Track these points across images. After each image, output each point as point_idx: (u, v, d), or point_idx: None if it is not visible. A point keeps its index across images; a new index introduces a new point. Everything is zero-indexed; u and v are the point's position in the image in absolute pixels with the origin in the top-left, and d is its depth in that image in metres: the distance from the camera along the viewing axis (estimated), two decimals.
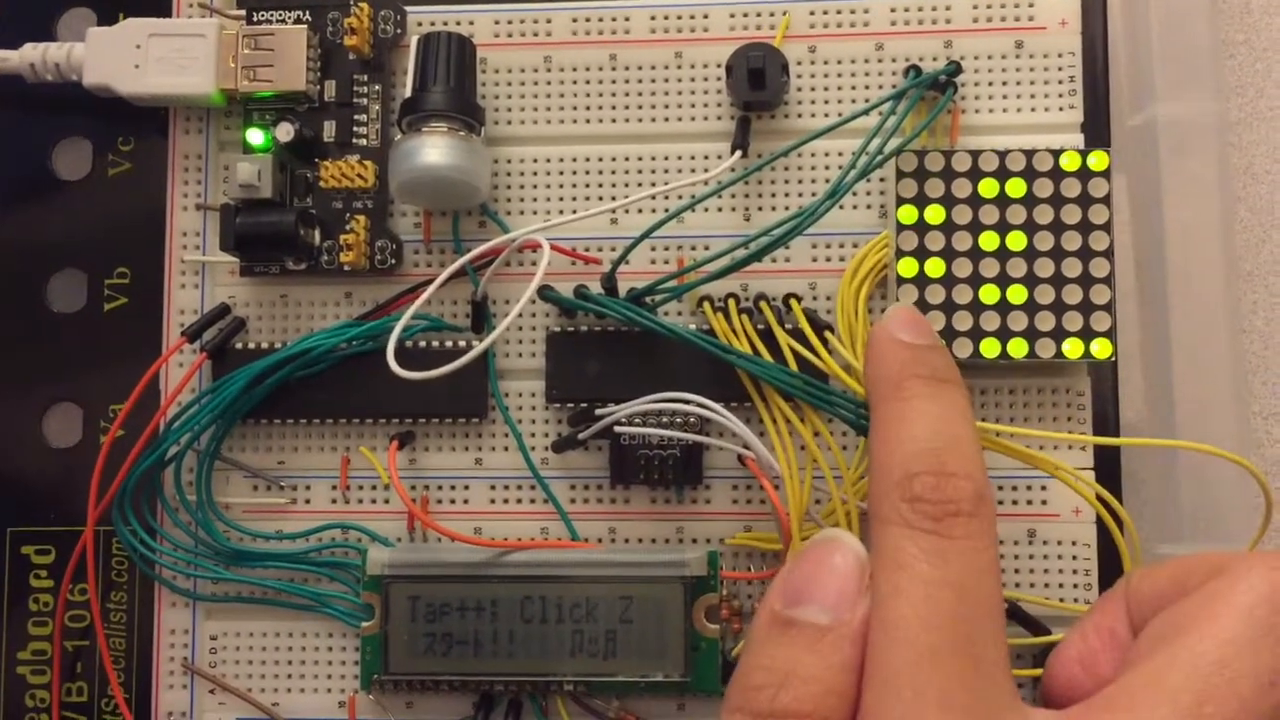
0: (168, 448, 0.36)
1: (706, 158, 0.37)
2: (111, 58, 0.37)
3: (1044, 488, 0.36)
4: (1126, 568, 0.32)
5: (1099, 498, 0.33)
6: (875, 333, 0.30)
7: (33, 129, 0.39)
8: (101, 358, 0.38)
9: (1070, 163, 0.34)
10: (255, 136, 0.37)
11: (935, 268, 0.34)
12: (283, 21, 0.37)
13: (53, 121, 0.39)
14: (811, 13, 0.37)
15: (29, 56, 0.37)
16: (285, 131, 0.36)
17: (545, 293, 0.36)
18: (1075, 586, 0.35)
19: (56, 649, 0.37)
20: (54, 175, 0.39)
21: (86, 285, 0.38)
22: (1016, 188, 0.34)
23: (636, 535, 0.37)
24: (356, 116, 0.37)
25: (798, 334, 0.35)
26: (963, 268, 0.34)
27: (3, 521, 0.38)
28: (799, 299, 0.36)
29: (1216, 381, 0.35)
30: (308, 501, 0.37)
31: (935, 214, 0.35)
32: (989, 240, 0.34)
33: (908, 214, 0.35)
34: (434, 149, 0.35)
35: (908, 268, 0.35)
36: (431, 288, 0.34)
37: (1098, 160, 0.34)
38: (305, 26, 0.37)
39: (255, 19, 0.37)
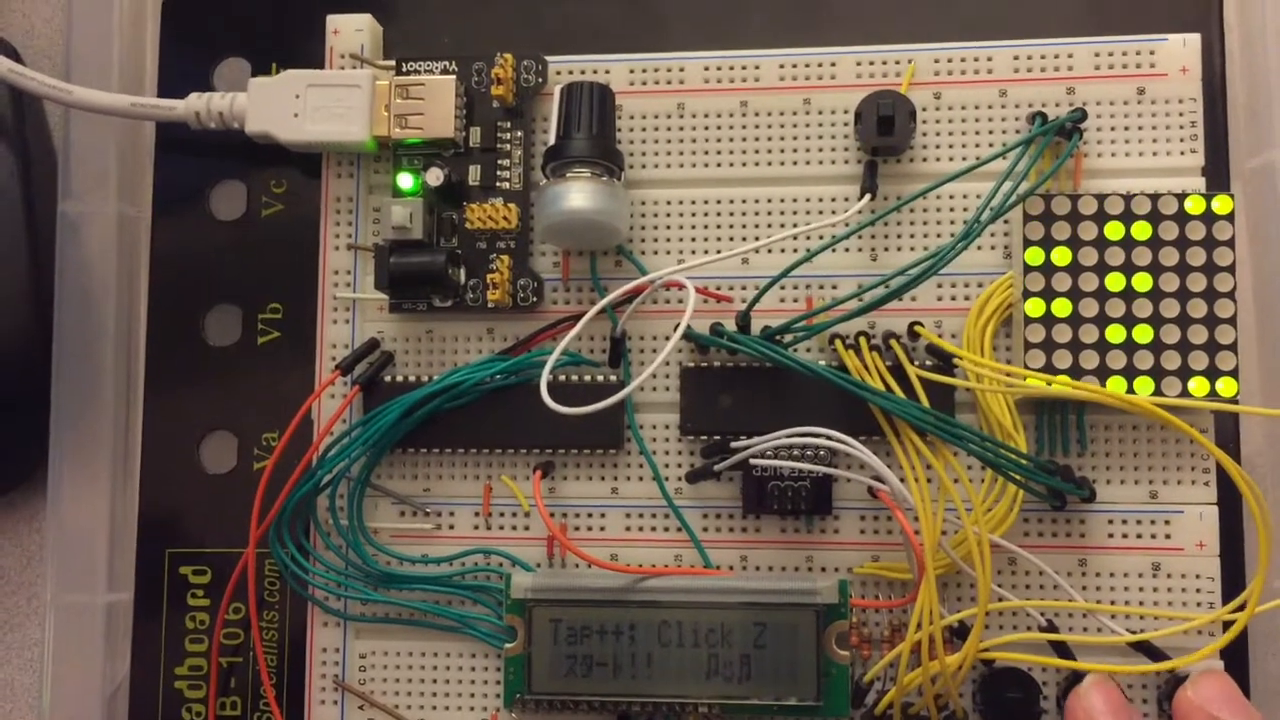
0: (322, 475, 0.38)
1: (834, 200, 0.39)
2: (272, 107, 0.39)
3: (1168, 522, 0.36)
4: (1254, 603, 0.33)
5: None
6: (1189, 707, 0.34)
7: (192, 172, 0.41)
8: (255, 388, 0.40)
9: (1195, 206, 0.36)
10: (405, 181, 0.39)
11: (1062, 308, 0.36)
12: (430, 72, 0.39)
13: (210, 165, 0.41)
14: (936, 60, 0.39)
15: (194, 105, 0.40)
16: (435, 176, 0.38)
17: (685, 331, 0.37)
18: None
19: (213, 665, 0.39)
20: (211, 215, 0.41)
21: (241, 320, 0.41)
22: (1142, 230, 0.36)
23: (767, 563, 0.38)
24: (500, 161, 0.39)
25: (932, 349, 0.37)
26: (1089, 308, 0.36)
27: (162, 543, 0.40)
28: (922, 325, 0.37)
29: None
30: (452, 527, 0.39)
31: (1061, 256, 0.36)
32: (1115, 281, 0.36)
33: (1035, 255, 0.36)
34: (579, 193, 0.37)
35: (1035, 308, 0.36)
36: (579, 325, 0.36)
37: (1222, 204, 0.36)
38: (453, 76, 0.39)
39: (404, 69, 0.39)
